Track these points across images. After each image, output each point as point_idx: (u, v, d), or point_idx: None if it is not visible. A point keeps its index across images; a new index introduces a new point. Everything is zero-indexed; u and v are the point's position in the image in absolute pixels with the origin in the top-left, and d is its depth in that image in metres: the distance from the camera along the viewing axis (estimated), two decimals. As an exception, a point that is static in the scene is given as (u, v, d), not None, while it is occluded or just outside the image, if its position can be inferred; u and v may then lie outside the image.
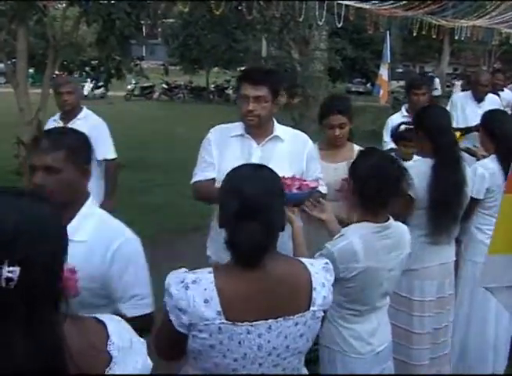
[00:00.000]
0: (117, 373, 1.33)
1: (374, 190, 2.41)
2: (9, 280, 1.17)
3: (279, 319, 1.80)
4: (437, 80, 19.98)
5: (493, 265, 2.51)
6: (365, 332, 2.54)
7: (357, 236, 2.43)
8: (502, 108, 5.81)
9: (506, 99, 7.36)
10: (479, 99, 6.05)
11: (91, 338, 1.32)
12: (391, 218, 2.55)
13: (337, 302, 2.47)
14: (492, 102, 6.02)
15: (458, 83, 19.61)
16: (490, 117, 4.02)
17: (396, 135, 4.49)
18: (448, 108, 5.63)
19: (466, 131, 5.25)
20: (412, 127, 3.96)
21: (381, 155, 2.65)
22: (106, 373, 1.32)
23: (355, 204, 2.57)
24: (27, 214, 1.26)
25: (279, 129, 3.22)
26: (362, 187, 2.46)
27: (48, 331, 1.22)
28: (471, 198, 3.57)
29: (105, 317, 1.41)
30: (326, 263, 1.97)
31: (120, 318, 1.47)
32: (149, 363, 1.44)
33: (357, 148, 3.55)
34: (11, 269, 1.17)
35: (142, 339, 1.46)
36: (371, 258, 2.42)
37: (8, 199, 1.29)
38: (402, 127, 4.46)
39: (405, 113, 5.30)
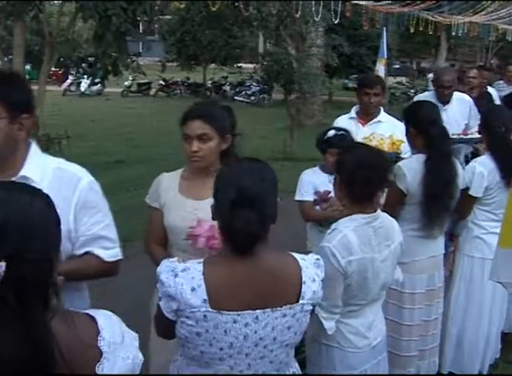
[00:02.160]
0: (107, 368, 1.32)
1: (363, 181, 2.44)
2: None
3: (266, 309, 1.83)
4: (430, 75, 19.88)
5: (504, 260, 2.53)
6: (362, 326, 2.56)
7: (350, 229, 2.45)
8: (471, 107, 5.31)
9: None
10: (444, 101, 5.09)
11: (80, 334, 1.31)
12: (378, 208, 2.59)
13: (343, 301, 2.50)
14: (460, 103, 5.23)
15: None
16: (484, 114, 4.01)
17: (323, 142, 3.67)
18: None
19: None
20: (343, 133, 3.61)
21: (366, 148, 2.71)
22: (96, 368, 1.31)
23: (343, 199, 2.60)
24: (17, 208, 1.25)
25: (33, 166, 2.09)
26: (351, 179, 2.49)
27: (38, 327, 1.22)
28: (470, 196, 3.61)
29: (96, 312, 1.40)
30: (318, 259, 2.00)
31: (111, 313, 1.45)
32: (141, 357, 1.44)
33: None
34: None
35: (134, 333, 1.45)
36: (366, 249, 2.45)
37: (0, 193, 1.28)
38: (331, 132, 3.66)
39: (354, 115, 4.54)
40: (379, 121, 4.45)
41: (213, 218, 1.91)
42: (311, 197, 3.71)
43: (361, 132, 4.25)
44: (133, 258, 6.19)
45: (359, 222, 2.48)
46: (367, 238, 2.47)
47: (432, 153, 3.28)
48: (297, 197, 3.81)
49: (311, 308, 1.93)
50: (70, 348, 1.26)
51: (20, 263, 1.19)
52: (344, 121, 4.49)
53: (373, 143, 3.83)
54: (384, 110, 4.57)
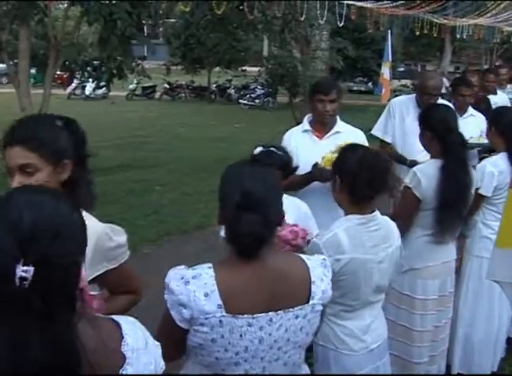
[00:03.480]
0: (131, 372, 1.33)
1: (365, 183, 2.42)
2: (22, 279, 1.16)
3: (279, 311, 1.83)
4: (444, 79, 19.83)
5: (501, 259, 2.53)
6: (358, 329, 2.55)
7: (342, 228, 2.45)
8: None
9: (499, 103, 5.91)
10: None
11: (105, 338, 1.31)
12: (376, 210, 2.56)
13: (330, 298, 2.49)
14: None
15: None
16: (501, 114, 3.95)
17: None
18: (383, 118, 4.79)
19: None
20: (271, 150, 3.10)
21: (366, 149, 2.65)
22: (120, 373, 1.31)
23: (342, 201, 2.57)
24: (45, 213, 1.24)
25: None
26: (353, 181, 2.46)
27: (64, 330, 1.21)
28: (479, 195, 3.59)
29: (120, 318, 1.41)
30: (324, 259, 2.01)
31: (135, 319, 1.46)
32: (162, 365, 1.44)
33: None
34: (25, 268, 1.16)
35: (156, 342, 1.46)
36: (357, 249, 2.44)
37: (26, 197, 1.27)
38: (258, 149, 3.15)
39: (308, 127, 3.84)
40: (337, 132, 3.80)
41: (219, 223, 1.91)
42: None
43: (319, 146, 3.67)
44: (139, 264, 6.20)
45: (353, 222, 2.48)
46: (360, 239, 2.46)
47: (449, 160, 3.22)
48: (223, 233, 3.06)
49: (322, 308, 1.93)
50: (95, 351, 1.26)
51: (48, 267, 1.18)
52: (297, 135, 3.88)
53: None
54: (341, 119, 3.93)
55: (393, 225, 2.66)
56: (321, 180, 3.45)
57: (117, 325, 1.37)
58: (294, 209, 3.01)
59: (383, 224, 2.57)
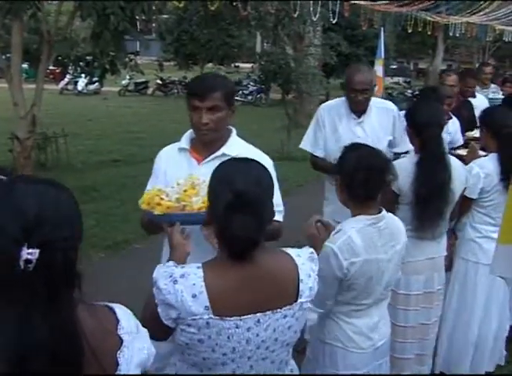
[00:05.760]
0: (127, 356, 1.39)
1: (361, 182, 2.42)
2: (27, 262, 1.22)
3: (267, 312, 1.80)
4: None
5: (503, 255, 2.56)
6: (367, 327, 2.56)
7: (355, 230, 2.44)
8: (396, 117, 4.21)
9: (479, 107, 5.14)
10: (358, 110, 3.93)
11: (102, 322, 1.38)
12: (383, 209, 2.57)
13: (345, 300, 2.51)
14: (382, 112, 4.02)
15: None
16: (492, 114, 3.93)
17: None
18: (311, 129, 4.18)
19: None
20: None
21: (366, 148, 2.60)
22: (117, 355, 1.38)
23: (345, 200, 2.57)
24: (48, 200, 1.32)
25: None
26: (350, 180, 2.47)
27: (67, 314, 1.28)
28: (465, 197, 3.58)
29: (113, 305, 1.47)
30: (312, 253, 1.98)
31: (125, 307, 1.52)
32: (153, 350, 1.49)
33: None
34: (30, 250, 1.22)
35: (144, 329, 1.50)
36: (370, 250, 2.44)
37: (30, 186, 1.34)
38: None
39: (186, 146, 2.73)
40: (224, 155, 2.57)
41: (208, 223, 1.88)
42: None
43: (197, 173, 2.48)
44: (132, 259, 6.21)
45: (364, 223, 2.47)
46: (371, 239, 2.47)
47: (424, 155, 3.26)
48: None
49: (309, 305, 1.92)
50: (93, 334, 1.33)
51: (51, 252, 1.25)
52: (171, 155, 2.77)
53: (193, 200, 2.32)
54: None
55: (399, 222, 2.67)
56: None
57: (111, 310, 1.44)
58: None
59: (390, 222, 2.58)
